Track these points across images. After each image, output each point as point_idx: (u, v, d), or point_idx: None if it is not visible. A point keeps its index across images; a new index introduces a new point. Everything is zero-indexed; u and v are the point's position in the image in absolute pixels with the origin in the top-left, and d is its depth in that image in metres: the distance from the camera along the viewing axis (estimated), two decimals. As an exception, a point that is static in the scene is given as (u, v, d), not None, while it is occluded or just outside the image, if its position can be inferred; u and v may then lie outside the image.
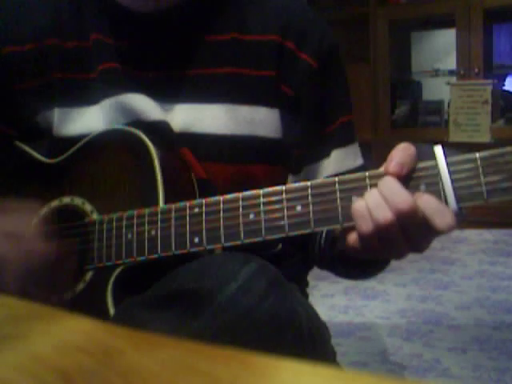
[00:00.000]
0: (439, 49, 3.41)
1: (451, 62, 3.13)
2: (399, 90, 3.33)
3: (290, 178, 0.83)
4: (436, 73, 3.31)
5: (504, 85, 3.16)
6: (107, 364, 0.32)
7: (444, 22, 3.24)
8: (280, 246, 0.83)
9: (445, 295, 2.06)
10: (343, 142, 0.83)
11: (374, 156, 3.13)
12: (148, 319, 0.60)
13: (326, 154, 0.81)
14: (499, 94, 3.03)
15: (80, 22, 0.83)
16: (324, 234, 0.80)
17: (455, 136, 2.97)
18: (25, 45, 0.83)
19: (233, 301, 0.57)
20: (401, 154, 0.60)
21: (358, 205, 0.60)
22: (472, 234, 2.74)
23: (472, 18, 2.95)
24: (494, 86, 2.95)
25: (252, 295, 0.57)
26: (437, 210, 0.58)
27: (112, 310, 0.69)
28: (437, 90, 3.30)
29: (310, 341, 0.61)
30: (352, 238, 0.63)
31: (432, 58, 3.40)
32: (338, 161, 0.82)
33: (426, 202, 0.58)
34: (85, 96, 0.82)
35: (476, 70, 2.96)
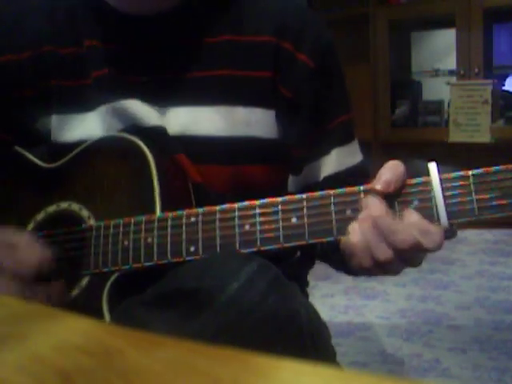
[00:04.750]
0: (439, 49, 3.41)
1: (451, 62, 3.13)
2: (399, 89, 3.33)
3: (291, 178, 0.83)
4: (436, 73, 3.31)
5: (504, 85, 3.16)
6: (107, 364, 0.32)
7: (444, 22, 3.24)
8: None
9: (445, 295, 2.06)
10: (343, 141, 0.83)
11: (374, 156, 3.13)
12: (148, 319, 0.60)
13: (326, 152, 0.82)
14: (499, 94, 3.03)
15: (75, 28, 0.83)
16: None
17: (455, 136, 2.97)
18: (22, 53, 0.83)
19: (234, 300, 0.57)
20: (388, 172, 0.62)
21: (358, 241, 0.62)
22: (472, 234, 2.74)
23: (472, 17, 2.95)
24: (494, 86, 2.95)
25: (253, 294, 0.57)
26: (423, 230, 0.60)
27: (107, 316, 0.69)
28: (437, 90, 3.30)
29: (310, 340, 0.61)
30: (351, 259, 0.66)
31: (432, 58, 3.40)
32: (339, 159, 0.82)
33: (414, 225, 0.60)
34: (81, 102, 0.82)
35: (476, 70, 2.96)
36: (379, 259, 0.61)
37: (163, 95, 0.79)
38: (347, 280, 2.21)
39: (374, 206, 0.62)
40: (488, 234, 2.73)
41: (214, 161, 0.78)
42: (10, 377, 0.31)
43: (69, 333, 0.37)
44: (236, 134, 0.78)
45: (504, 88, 3.15)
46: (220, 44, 0.79)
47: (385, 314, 1.94)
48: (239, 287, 0.57)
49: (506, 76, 3.20)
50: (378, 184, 0.62)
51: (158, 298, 0.62)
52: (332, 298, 2.10)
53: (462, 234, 2.71)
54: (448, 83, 3.08)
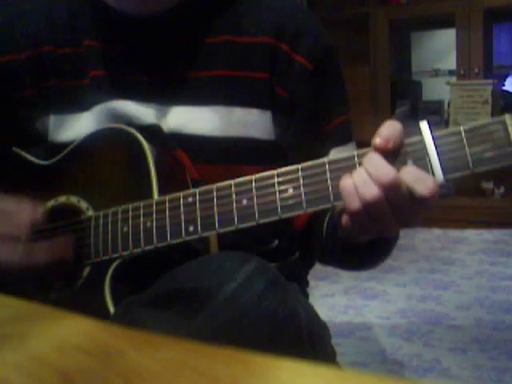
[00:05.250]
0: (439, 49, 3.41)
1: (451, 62, 3.13)
2: (399, 89, 3.33)
3: None
4: (436, 73, 3.31)
5: (504, 85, 3.16)
6: (107, 364, 0.32)
7: (444, 22, 3.24)
8: (276, 241, 0.83)
9: (445, 295, 2.06)
10: (341, 142, 0.83)
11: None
12: (147, 318, 0.60)
13: (324, 154, 0.82)
14: (499, 94, 3.03)
15: (73, 28, 0.83)
16: (325, 225, 0.80)
17: (455, 136, 2.96)
18: (21, 53, 0.83)
19: (232, 300, 0.57)
20: (387, 129, 0.62)
21: (345, 182, 0.62)
22: (472, 233, 2.74)
23: (472, 18, 2.95)
24: (494, 86, 2.95)
25: (251, 295, 0.57)
26: (416, 177, 0.59)
27: (110, 304, 0.69)
28: (437, 89, 3.30)
29: (309, 340, 0.61)
30: (345, 218, 0.64)
31: (432, 58, 3.40)
32: None
33: (407, 172, 0.60)
34: (78, 102, 0.82)
35: (476, 70, 2.96)
36: (365, 198, 0.60)
37: (161, 95, 0.80)
38: (347, 280, 2.22)
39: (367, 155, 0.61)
40: (488, 234, 2.73)
41: (210, 160, 0.79)
42: (10, 377, 0.31)
43: (69, 333, 0.37)
44: (232, 135, 0.79)
45: (504, 88, 3.15)
46: (218, 44, 0.80)
47: (385, 313, 1.94)
48: (237, 287, 0.57)
49: (506, 76, 3.20)
50: (378, 138, 0.61)
51: (156, 298, 0.62)
52: (332, 297, 2.10)
53: (462, 233, 2.72)
54: (448, 83, 3.08)
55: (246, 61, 0.79)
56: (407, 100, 3.33)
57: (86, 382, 0.31)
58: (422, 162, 0.61)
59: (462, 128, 0.60)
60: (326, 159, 0.64)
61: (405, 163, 0.61)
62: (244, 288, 0.57)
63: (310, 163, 0.65)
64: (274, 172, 0.65)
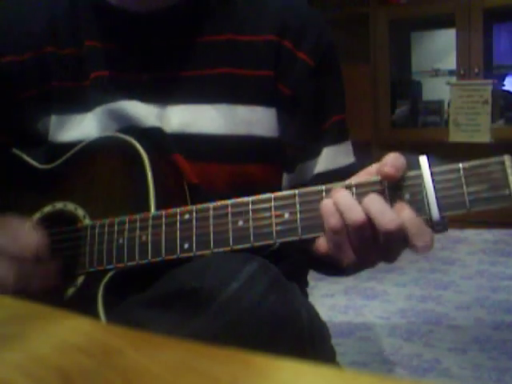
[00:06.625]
0: (439, 49, 3.41)
1: (451, 62, 3.13)
2: (399, 90, 3.33)
3: (285, 176, 0.83)
4: (436, 73, 3.31)
5: (504, 85, 3.16)
6: (107, 364, 0.32)
7: (444, 22, 3.24)
8: (278, 243, 0.83)
9: (445, 295, 2.06)
10: (336, 140, 0.83)
11: (374, 156, 3.13)
12: (148, 318, 0.60)
13: (318, 152, 0.82)
14: (499, 94, 3.03)
15: (75, 28, 0.83)
16: None
17: (455, 136, 2.97)
18: (23, 54, 0.83)
19: (234, 300, 0.57)
20: (393, 159, 0.61)
21: (327, 201, 0.61)
22: (472, 233, 2.74)
23: (472, 18, 2.95)
24: (494, 86, 2.95)
25: (253, 294, 0.57)
26: (417, 228, 0.59)
27: (103, 314, 0.69)
28: (437, 90, 3.30)
29: (310, 340, 0.61)
30: (323, 245, 0.64)
31: (432, 58, 3.40)
32: (330, 158, 0.82)
33: (408, 220, 0.59)
34: (79, 103, 0.82)
35: (476, 70, 2.96)
36: (351, 219, 0.59)
37: (164, 93, 0.80)
38: (347, 280, 2.21)
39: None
40: (488, 234, 2.73)
41: (214, 159, 0.79)
42: (10, 377, 0.31)
43: (69, 333, 0.37)
44: (236, 133, 0.79)
45: (504, 88, 3.15)
46: (221, 42, 0.80)
47: (385, 313, 1.94)
48: (239, 287, 0.57)
49: (506, 76, 3.20)
50: (387, 167, 0.60)
51: (158, 297, 0.62)
52: (332, 298, 2.10)
53: (462, 233, 2.72)
54: (448, 83, 3.08)
55: (250, 59, 0.79)
56: (407, 100, 3.33)
57: (85, 382, 0.31)
58: (419, 197, 0.61)
59: (460, 166, 0.60)
60: (323, 186, 0.64)
61: (402, 197, 0.61)
62: (246, 288, 0.57)
63: (307, 189, 0.65)
64: (271, 195, 0.65)
